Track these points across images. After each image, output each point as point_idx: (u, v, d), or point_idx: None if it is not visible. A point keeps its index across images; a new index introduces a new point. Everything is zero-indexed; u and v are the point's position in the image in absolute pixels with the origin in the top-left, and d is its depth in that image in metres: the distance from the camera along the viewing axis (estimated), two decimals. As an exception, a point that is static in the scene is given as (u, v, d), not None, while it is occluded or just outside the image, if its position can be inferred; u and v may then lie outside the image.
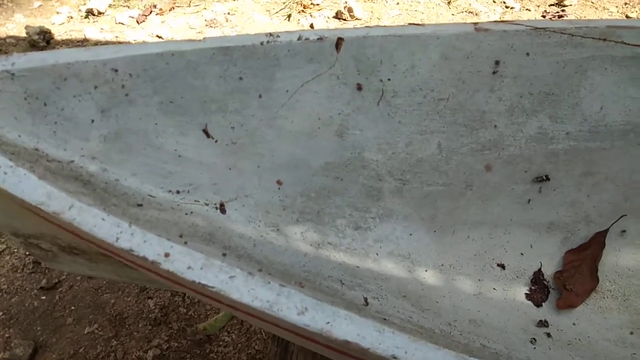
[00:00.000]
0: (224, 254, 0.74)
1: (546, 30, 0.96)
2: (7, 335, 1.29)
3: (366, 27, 0.95)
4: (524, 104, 1.02)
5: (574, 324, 1.03)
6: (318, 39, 0.92)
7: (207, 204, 1.00)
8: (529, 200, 1.09)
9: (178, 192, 0.98)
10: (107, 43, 2.16)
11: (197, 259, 0.64)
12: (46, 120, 0.87)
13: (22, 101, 0.85)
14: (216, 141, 0.97)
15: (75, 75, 0.86)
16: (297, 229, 1.03)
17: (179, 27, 2.23)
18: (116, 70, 0.88)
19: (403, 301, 0.92)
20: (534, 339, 0.96)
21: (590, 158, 1.08)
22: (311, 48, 0.93)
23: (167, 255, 0.65)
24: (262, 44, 0.91)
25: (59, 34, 2.18)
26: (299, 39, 0.92)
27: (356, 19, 2.36)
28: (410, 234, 1.08)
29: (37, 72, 0.84)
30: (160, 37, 2.19)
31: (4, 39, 2.14)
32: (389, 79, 0.97)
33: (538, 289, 1.08)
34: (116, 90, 0.89)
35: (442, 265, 1.08)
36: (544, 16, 2.38)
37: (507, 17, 2.38)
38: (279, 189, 1.02)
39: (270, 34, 0.92)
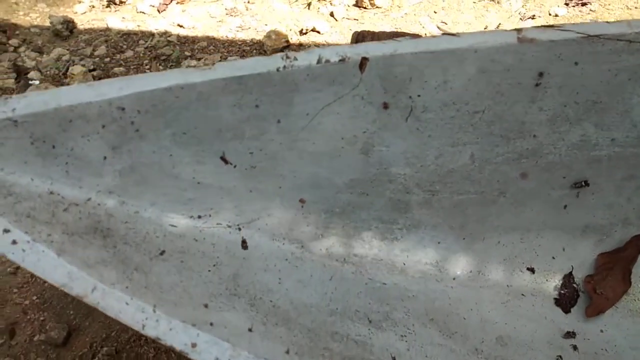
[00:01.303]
0: (250, 329, 0.73)
1: (600, 38, 0.84)
2: (42, 318, 1.36)
3: (394, 41, 0.84)
4: (568, 113, 0.93)
5: (601, 331, 1.03)
6: (340, 60, 0.83)
7: (229, 226, 0.97)
8: (565, 205, 1.04)
9: (199, 217, 0.95)
10: (129, 32, 2.09)
11: (225, 349, 0.64)
12: (57, 162, 0.84)
13: (29, 145, 0.81)
14: (235, 166, 0.92)
15: (81, 116, 0.81)
16: (322, 245, 1.01)
17: (199, 16, 2.18)
18: (123, 109, 0.81)
19: (430, 329, 0.92)
20: (560, 356, 0.96)
21: (635, 162, 1.00)
22: (332, 70, 0.83)
23: (194, 345, 0.64)
24: (278, 70, 0.82)
25: (81, 23, 2.14)
26: (319, 61, 0.82)
27: (376, 7, 2.24)
28: (439, 242, 1.05)
29: (40, 116, 0.79)
30: (181, 26, 2.12)
31: (28, 28, 2.11)
32: (418, 95, 0.89)
33: (567, 294, 1.06)
34: (125, 127, 0.83)
35: (471, 272, 1.06)
36: (567, 4, 2.15)
37: (529, 5, 2.17)
38: (302, 207, 0.99)
39: (287, 56, 0.83)
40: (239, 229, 0.97)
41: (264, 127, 0.88)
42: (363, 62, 0.83)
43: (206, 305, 0.74)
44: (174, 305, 0.70)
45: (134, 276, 0.74)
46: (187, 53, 2.00)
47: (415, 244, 1.04)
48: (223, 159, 0.91)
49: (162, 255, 0.83)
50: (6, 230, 0.72)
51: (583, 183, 1.02)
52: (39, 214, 0.78)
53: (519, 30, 0.84)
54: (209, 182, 0.93)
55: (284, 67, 0.82)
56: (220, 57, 1.96)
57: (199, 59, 1.95)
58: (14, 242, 0.72)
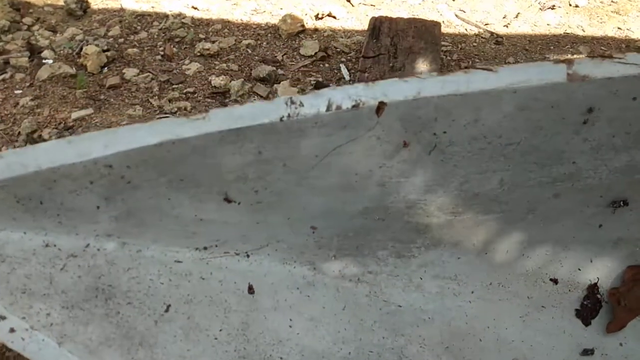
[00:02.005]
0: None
1: (668, 74, 0.69)
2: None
3: (416, 79, 0.71)
4: (616, 142, 0.81)
5: (621, 344, 1.01)
6: (353, 106, 0.71)
7: (237, 254, 0.93)
8: (600, 225, 0.96)
9: (205, 248, 0.91)
10: (143, 13, 1.93)
11: None
12: (47, 215, 0.78)
13: (16, 204, 0.75)
14: (239, 203, 0.85)
15: (65, 176, 0.73)
16: (335, 266, 0.96)
17: (213, -2, 2.00)
18: (111, 166, 0.73)
19: (446, 361, 0.90)
20: (577, 378, 0.95)
21: (684, 183, 0.89)
22: (344, 117, 0.72)
23: None
24: (281, 119, 0.71)
25: (95, 3, 1.98)
26: (329, 108, 0.71)
27: None
28: (459, 258, 1.00)
29: (20, 180, 0.72)
30: (195, 8, 1.97)
31: (42, 7, 1.96)
32: (444, 132, 0.77)
33: (590, 305, 1.03)
34: (115, 181, 0.75)
35: (491, 284, 1.02)
36: None
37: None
38: (313, 232, 0.92)
39: (292, 101, 0.71)
40: (248, 256, 0.93)
41: (268, 170, 0.79)
42: (380, 107, 0.71)
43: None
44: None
45: (139, 355, 0.72)
46: (201, 35, 1.86)
47: (433, 260, 0.99)
48: (226, 199, 0.83)
49: (167, 312, 0.80)
50: (2, 317, 0.69)
51: (621, 203, 0.92)
52: (35, 284, 0.74)
53: (569, 64, 0.70)
54: (212, 218, 0.86)
55: (288, 115, 0.71)
56: (235, 41, 1.79)
57: (214, 42, 1.80)
58: (12, 330, 0.69)
